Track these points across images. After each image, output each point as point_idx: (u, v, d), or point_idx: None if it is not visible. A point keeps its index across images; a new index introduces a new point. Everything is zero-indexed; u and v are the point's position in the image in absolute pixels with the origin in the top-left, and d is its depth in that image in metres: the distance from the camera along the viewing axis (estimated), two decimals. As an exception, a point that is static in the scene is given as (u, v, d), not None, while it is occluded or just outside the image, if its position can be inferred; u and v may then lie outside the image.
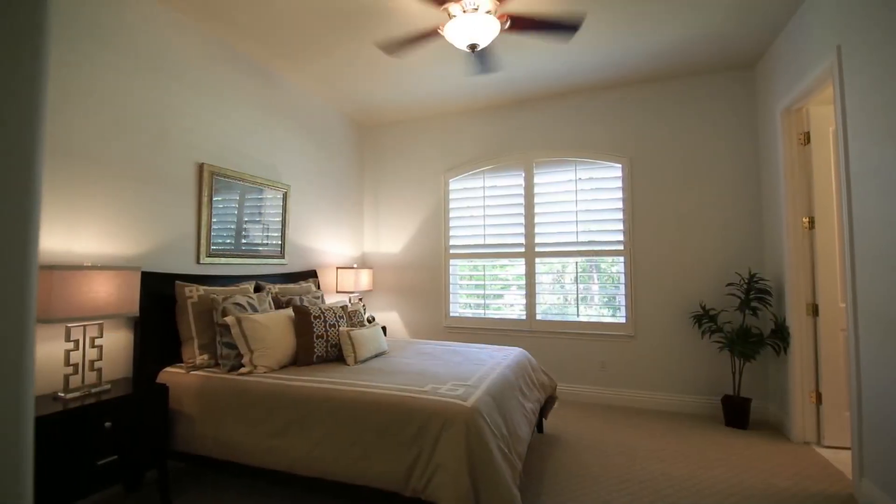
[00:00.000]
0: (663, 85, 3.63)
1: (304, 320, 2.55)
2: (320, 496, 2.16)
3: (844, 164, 2.19)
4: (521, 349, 2.93)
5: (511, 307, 4.09)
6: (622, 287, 3.69)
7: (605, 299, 3.83)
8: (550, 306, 3.94)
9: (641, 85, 3.69)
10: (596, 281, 3.88)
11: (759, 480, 2.34)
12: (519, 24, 2.39)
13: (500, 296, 4.17)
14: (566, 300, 3.90)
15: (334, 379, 2.14)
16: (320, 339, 2.55)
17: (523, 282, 4.00)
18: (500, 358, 2.64)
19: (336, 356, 2.60)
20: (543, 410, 2.81)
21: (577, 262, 3.84)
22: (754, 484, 2.30)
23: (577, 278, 3.86)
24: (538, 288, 3.95)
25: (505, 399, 2.08)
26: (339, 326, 2.66)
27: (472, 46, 2.29)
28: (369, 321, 3.34)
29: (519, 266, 4.04)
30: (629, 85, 3.72)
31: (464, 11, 2.25)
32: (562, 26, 2.41)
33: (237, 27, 2.83)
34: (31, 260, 0.39)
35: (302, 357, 2.49)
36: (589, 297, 3.86)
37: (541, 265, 3.96)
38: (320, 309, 2.66)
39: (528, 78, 3.59)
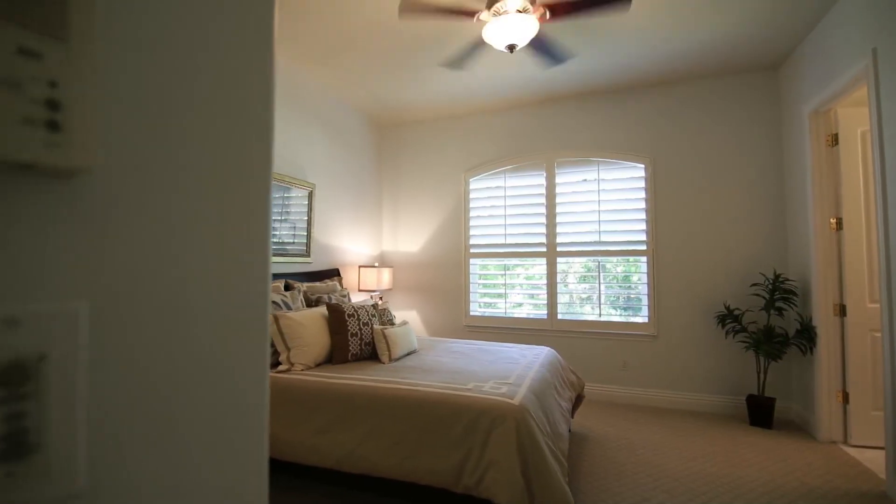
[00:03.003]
0: (686, 85, 3.64)
1: (338, 318, 2.57)
2: (367, 493, 2.17)
3: (880, 167, 2.21)
4: (549, 348, 2.95)
5: (532, 306, 4.11)
6: (644, 287, 3.71)
7: (627, 299, 3.85)
8: (571, 305, 3.96)
9: (664, 86, 3.70)
10: (617, 281, 3.91)
11: (791, 479, 2.36)
12: (559, 10, 2.26)
13: (521, 295, 4.19)
14: (587, 299, 3.92)
15: (374, 377, 2.16)
16: (355, 336, 2.56)
17: (544, 281, 4.02)
18: (532, 357, 2.66)
19: (370, 354, 2.62)
20: (572, 409, 2.83)
21: (598, 262, 3.86)
22: (786, 482, 2.33)
23: (598, 278, 3.88)
24: (559, 287, 3.97)
25: (545, 397, 2.10)
26: (371, 325, 2.68)
27: (511, 47, 2.30)
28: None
29: (540, 265, 4.06)
30: (652, 85, 3.73)
31: (496, 14, 2.25)
32: None
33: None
34: (268, 258, 0.41)
35: (337, 355, 2.51)
36: (610, 296, 3.89)
37: (562, 265, 3.98)
38: (353, 307, 2.68)
39: (550, 78, 3.60)
